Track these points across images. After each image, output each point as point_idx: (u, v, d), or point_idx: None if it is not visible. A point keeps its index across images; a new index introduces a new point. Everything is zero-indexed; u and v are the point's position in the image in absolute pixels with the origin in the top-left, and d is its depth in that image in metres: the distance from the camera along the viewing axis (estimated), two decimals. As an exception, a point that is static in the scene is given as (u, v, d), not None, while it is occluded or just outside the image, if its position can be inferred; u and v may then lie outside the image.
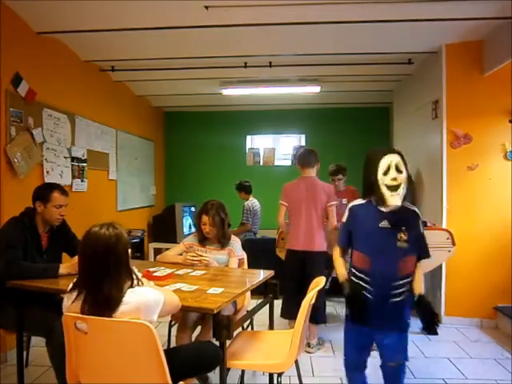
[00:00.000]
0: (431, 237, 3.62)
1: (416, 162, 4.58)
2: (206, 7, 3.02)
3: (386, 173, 2.03)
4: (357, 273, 2.13)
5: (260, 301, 2.50)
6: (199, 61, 4.26)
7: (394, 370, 2.15)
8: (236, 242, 2.93)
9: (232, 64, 4.36)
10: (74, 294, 1.66)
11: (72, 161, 3.99)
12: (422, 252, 2.14)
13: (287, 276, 3.34)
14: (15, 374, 2.42)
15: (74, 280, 1.71)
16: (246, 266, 3.08)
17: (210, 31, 3.46)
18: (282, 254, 3.71)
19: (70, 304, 1.65)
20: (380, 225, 2.05)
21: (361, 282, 2.10)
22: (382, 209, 2.08)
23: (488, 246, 3.79)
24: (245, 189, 5.43)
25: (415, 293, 2.10)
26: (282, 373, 2.23)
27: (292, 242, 3.38)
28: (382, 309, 2.05)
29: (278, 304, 2.80)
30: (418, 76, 4.61)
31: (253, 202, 5.41)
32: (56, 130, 3.75)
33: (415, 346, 3.39)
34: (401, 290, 2.05)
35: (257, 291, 2.50)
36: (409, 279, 2.08)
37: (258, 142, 6.90)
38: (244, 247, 3.07)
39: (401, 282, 2.05)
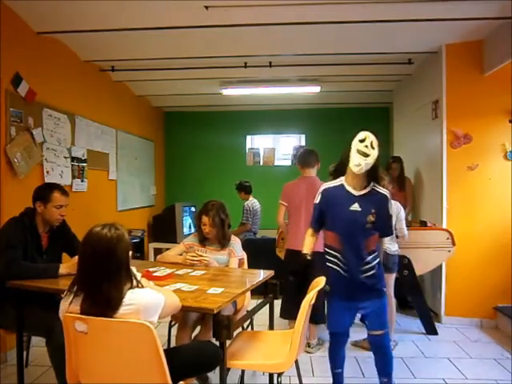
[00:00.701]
0: (431, 237, 3.66)
1: (416, 161, 4.58)
2: (206, 7, 3.02)
3: (361, 141, 2.24)
4: (330, 251, 2.35)
5: (260, 301, 2.50)
6: (199, 61, 4.26)
7: (380, 339, 2.34)
8: (236, 242, 2.93)
9: (232, 64, 4.36)
10: (71, 295, 1.65)
11: (72, 161, 3.99)
12: (386, 231, 2.37)
13: (287, 276, 3.33)
14: (15, 374, 2.42)
15: (71, 281, 1.70)
16: (246, 266, 3.08)
17: (210, 31, 3.46)
18: (281, 254, 3.71)
19: (68, 305, 1.65)
20: (351, 208, 2.25)
21: (335, 260, 2.32)
22: (353, 192, 2.27)
23: (488, 246, 3.79)
24: (245, 189, 5.43)
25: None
26: (282, 373, 2.23)
27: (292, 242, 3.38)
28: (356, 283, 2.27)
29: (278, 304, 2.81)
30: (417, 76, 4.61)
31: (253, 202, 5.40)
32: (56, 130, 3.75)
33: (415, 346, 3.39)
34: (370, 265, 2.27)
35: (257, 291, 2.50)
36: (375, 254, 2.30)
37: (258, 142, 6.90)
38: (244, 247, 3.07)
39: (369, 258, 2.28)
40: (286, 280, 3.29)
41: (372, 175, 2.27)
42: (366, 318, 2.38)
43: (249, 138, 6.87)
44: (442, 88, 3.87)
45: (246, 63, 4.33)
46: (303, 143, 6.71)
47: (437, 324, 3.74)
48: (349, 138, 2.32)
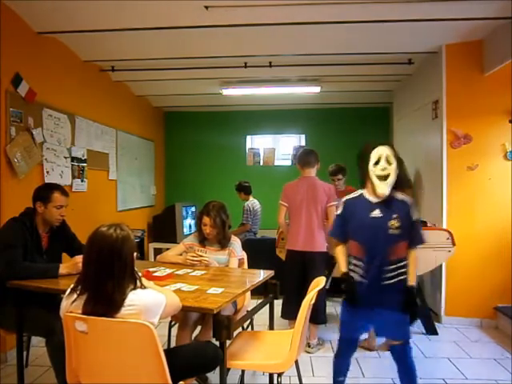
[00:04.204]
0: (431, 237, 3.64)
1: (416, 162, 4.58)
2: (206, 7, 3.02)
3: (376, 163, 2.20)
4: (353, 261, 2.28)
5: (260, 301, 2.50)
6: (199, 61, 4.26)
7: (401, 349, 2.26)
8: (236, 243, 2.93)
9: (232, 64, 4.36)
10: (75, 294, 1.65)
11: (72, 161, 3.99)
12: (415, 239, 2.25)
13: (287, 276, 3.34)
14: (15, 374, 2.42)
15: (76, 279, 1.71)
16: (246, 266, 3.08)
17: (209, 31, 3.46)
18: (282, 255, 3.71)
19: (70, 304, 1.65)
20: (371, 215, 2.21)
21: (356, 268, 2.25)
22: (372, 199, 2.24)
23: (488, 246, 3.79)
24: (244, 189, 5.43)
25: (408, 284, 2.22)
26: (282, 373, 2.23)
27: (292, 243, 3.38)
28: (376, 291, 2.19)
29: (278, 304, 2.80)
30: (417, 76, 4.61)
31: (253, 202, 5.41)
32: (56, 130, 3.75)
33: (415, 346, 3.38)
34: (393, 274, 2.19)
35: (257, 291, 2.50)
36: (401, 263, 2.20)
37: (258, 142, 6.90)
38: (244, 247, 3.07)
39: (392, 267, 2.19)
40: (286, 280, 3.29)
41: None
42: (382, 328, 2.29)
43: (249, 138, 6.87)
44: (441, 88, 3.87)
45: (245, 63, 4.33)
46: (303, 143, 6.71)
47: (437, 324, 3.74)
48: (357, 143, 2.31)
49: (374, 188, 2.20)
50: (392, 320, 2.21)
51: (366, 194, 2.28)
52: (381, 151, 2.20)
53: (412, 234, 2.23)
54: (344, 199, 2.37)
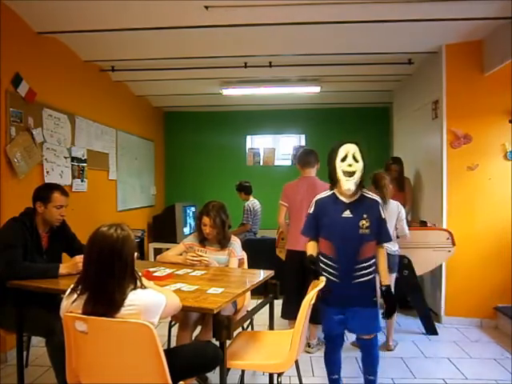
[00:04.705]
0: (431, 237, 3.66)
1: (416, 162, 4.58)
2: (206, 7, 3.02)
3: (343, 160, 2.25)
4: (323, 259, 2.35)
5: (260, 301, 2.50)
6: (199, 61, 4.26)
7: (370, 342, 2.37)
8: (236, 243, 2.93)
9: (232, 64, 4.36)
10: (75, 294, 1.65)
11: (72, 161, 3.99)
12: (383, 237, 2.35)
13: (287, 276, 3.34)
14: (15, 374, 2.42)
15: (76, 279, 1.71)
16: (246, 266, 3.08)
17: (210, 31, 3.46)
18: (282, 255, 3.71)
19: (71, 304, 1.65)
20: (343, 215, 2.28)
21: (327, 268, 2.32)
22: (344, 200, 2.30)
23: (488, 246, 3.79)
24: (245, 189, 5.43)
25: (382, 283, 2.36)
26: (282, 373, 2.23)
27: (292, 243, 3.38)
28: (348, 289, 2.27)
29: (278, 304, 2.80)
30: (417, 76, 4.61)
31: (253, 202, 5.40)
32: (56, 130, 3.75)
33: (415, 346, 3.39)
34: (363, 272, 2.27)
35: (257, 291, 2.50)
36: (370, 262, 2.29)
37: (258, 142, 6.90)
38: (244, 247, 3.07)
39: (363, 265, 2.27)
40: (286, 280, 3.29)
41: (360, 183, 2.29)
42: (354, 324, 2.34)
43: (249, 138, 6.87)
44: (441, 88, 3.87)
45: (245, 63, 4.33)
46: (303, 143, 6.71)
47: (437, 324, 3.74)
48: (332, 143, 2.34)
49: (341, 183, 2.25)
50: (364, 316, 2.30)
51: (337, 193, 2.33)
52: (348, 148, 2.26)
53: (380, 231, 2.31)
54: (315, 198, 2.43)
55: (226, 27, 3.38)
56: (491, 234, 3.79)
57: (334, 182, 2.34)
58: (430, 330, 3.65)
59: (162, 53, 4.08)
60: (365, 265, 2.27)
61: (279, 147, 6.82)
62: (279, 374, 2.26)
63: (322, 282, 2.24)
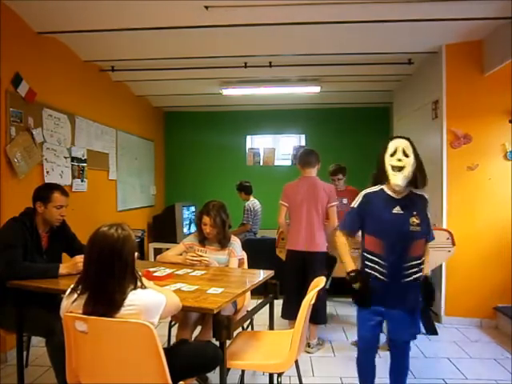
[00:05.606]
0: (431, 237, 3.65)
1: (416, 162, 4.58)
2: (206, 7, 3.02)
3: (392, 154, 2.17)
4: (369, 256, 2.22)
5: (260, 301, 2.50)
6: (199, 61, 4.26)
7: (405, 347, 2.28)
8: (236, 242, 2.93)
9: (232, 64, 4.36)
10: (75, 294, 1.65)
11: (72, 161, 3.99)
12: (431, 235, 2.29)
13: (287, 276, 3.34)
14: (15, 374, 2.42)
15: (76, 279, 1.71)
16: (246, 266, 3.08)
17: (209, 31, 3.46)
18: (282, 255, 3.71)
19: (71, 304, 1.65)
20: (393, 211, 2.17)
21: (374, 265, 2.20)
22: (394, 195, 2.20)
23: (488, 246, 3.79)
24: (245, 189, 5.43)
25: (423, 273, 2.24)
26: (282, 373, 2.24)
27: (293, 243, 3.38)
28: (396, 289, 2.16)
29: (278, 304, 2.80)
30: (417, 76, 4.61)
31: (253, 202, 5.41)
32: (56, 130, 3.75)
33: (415, 346, 3.38)
34: (412, 271, 2.17)
35: (257, 291, 2.50)
36: (419, 261, 2.20)
37: (258, 142, 6.90)
38: (244, 247, 3.07)
39: (412, 263, 2.17)
40: (286, 280, 3.29)
41: (412, 181, 2.17)
42: (395, 326, 2.25)
43: (249, 138, 6.87)
44: (441, 88, 3.87)
45: (245, 63, 4.33)
46: (303, 143, 6.71)
47: (437, 324, 3.75)
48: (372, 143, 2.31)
49: (388, 178, 2.16)
50: (405, 320, 2.20)
51: (386, 189, 2.23)
52: (398, 143, 2.19)
53: (428, 229, 2.25)
54: (363, 192, 2.30)
55: (225, 27, 3.38)
56: (491, 233, 3.79)
57: (379, 178, 2.23)
58: (430, 330, 3.64)
59: (161, 53, 4.08)
60: (414, 263, 2.17)
61: (279, 147, 6.82)
62: (279, 374, 2.26)
63: (321, 282, 2.24)
